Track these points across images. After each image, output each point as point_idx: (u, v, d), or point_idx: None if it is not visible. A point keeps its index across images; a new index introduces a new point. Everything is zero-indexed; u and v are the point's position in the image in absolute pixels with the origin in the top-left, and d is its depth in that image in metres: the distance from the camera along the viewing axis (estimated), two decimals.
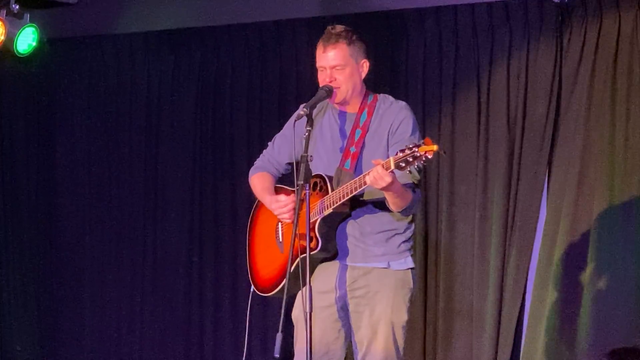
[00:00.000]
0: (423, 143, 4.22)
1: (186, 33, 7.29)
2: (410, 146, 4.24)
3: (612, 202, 5.97)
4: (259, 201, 4.99)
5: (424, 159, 4.22)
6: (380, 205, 4.63)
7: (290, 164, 4.79)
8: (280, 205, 4.73)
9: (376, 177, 4.31)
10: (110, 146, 7.61)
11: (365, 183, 4.41)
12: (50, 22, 7.27)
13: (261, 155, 5.03)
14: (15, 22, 6.67)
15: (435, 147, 4.19)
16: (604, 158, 6.02)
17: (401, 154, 4.25)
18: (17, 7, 6.65)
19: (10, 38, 6.66)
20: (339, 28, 4.69)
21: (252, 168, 5.04)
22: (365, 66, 4.73)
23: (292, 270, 4.51)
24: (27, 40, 6.75)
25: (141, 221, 7.51)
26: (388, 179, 4.30)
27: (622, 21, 6.01)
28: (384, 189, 4.38)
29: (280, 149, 4.92)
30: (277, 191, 4.90)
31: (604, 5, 6.05)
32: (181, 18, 7.26)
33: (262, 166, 4.99)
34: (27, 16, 6.74)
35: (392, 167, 4.27)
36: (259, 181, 4.96)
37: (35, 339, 7.79)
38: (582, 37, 6.11)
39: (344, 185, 4.53)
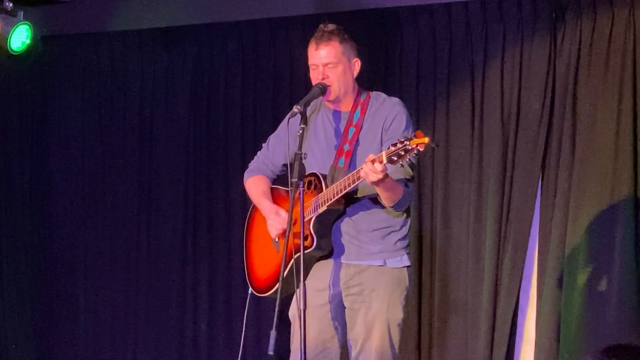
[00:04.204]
0: (414, 136, 4.24)
1: (180, 31, 7.28)
2: (402, 140, 4.26)
3: (606, 200, 5.97)
4: None
5: (415, 152, 4.23)
6: (375, 202, 4.64)
7: (286, 165, 4.79)
8: (278, 220, 4.72)
9: (369, 171, 4.32)
10: (104, 144, 7.61)
11: (358, 179, 4.42)
12: (44, 19, 7.26)
13: (255, 157, 5.02)
14: (9, 19, 6.65)
15: (426, 140, 4.21)
16: (598, 156, 6.02)
17: (393, 148, 4.26)
18: (11, 4, 6.64)
19: (4, 36, 6.64)
20: (331, 26, 4.71)
21: (246, 171, 5.03)
22: (357, 65, 4.74)
23: (286, 270, 4.51)
24: (20, 37, 6.73)
25: (135, 220, 7.50)
26: (380, 174, 4.31)
27: (615, 19, 6.02)
28: (375, 183, 4.38)
29: (275, 149, 4.92)
30: (272, 192, 4.91)
31: (597, 3, 6.05)
32: (175, 16, 7.25)
33: (258, 168, 4.99)
34: (21, 14, 6.73)
35: (385, 161, 4.28)
36: (255, 185, 4.95)
37: (30, 337, 7.78)
38: (577, 35, 6.11)
39: (338, 182, 4.54)
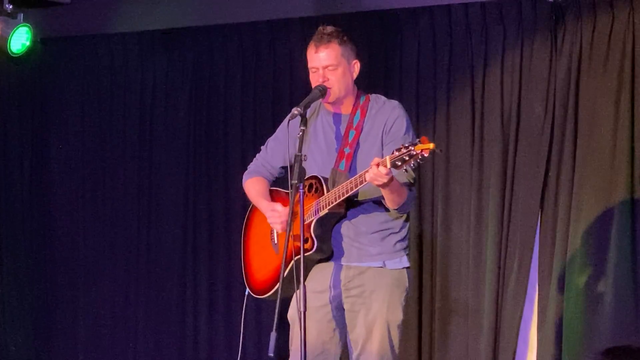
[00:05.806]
0: (419, 141, 4.23)
1: (180, 33, 7.28)
2: (407, 145, 4.25)
3: (607, 202, 5.97)
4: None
5: (420, 157, 4.22)
6: (375, 205, 4.64)
7: (285, 167, 4.80)
8: (275, 215, 4.73)
9: (376, 175, 4.33)
10: (103, 146, 7.61)
11: (361, 182, 4.42)
12: (44, 21, 7.27)
13: (254, 160, 5.02)
14: (8, 21, 6.68)
15: (431, 146, 4.20)
16: (597, 157, 6.02)
17: (397, 153, 4.25)
18: (11, 6, 6.66)
19: (4, 38, 6.66)
20: (330, 29, 4.70)
21: (245, 173, 5.03)
22: (356, 67, 4.74)
23: (286, 272, 4.52)
24: (20, 39, 6.75)
25: (135, 222, 7.50)
26: (385, 177, 4.32)
27: (615, 20, 6.02)
28: (382, 186, 4.39)
29: (274, 152, 4.92)
30: (272, 194, 4.92)
31: (597, 4, 6.06)
32: (175, 18, 7.25)
33: (256, 170, 4.99)
34: (21, 16, 6.76)
35: (389, 165, 4.27)
36: (253, 186, 4.96)
37: (29, 339, 7.79)
38: (578, 37, 6.11)
39: (340, 186, 4.54)
